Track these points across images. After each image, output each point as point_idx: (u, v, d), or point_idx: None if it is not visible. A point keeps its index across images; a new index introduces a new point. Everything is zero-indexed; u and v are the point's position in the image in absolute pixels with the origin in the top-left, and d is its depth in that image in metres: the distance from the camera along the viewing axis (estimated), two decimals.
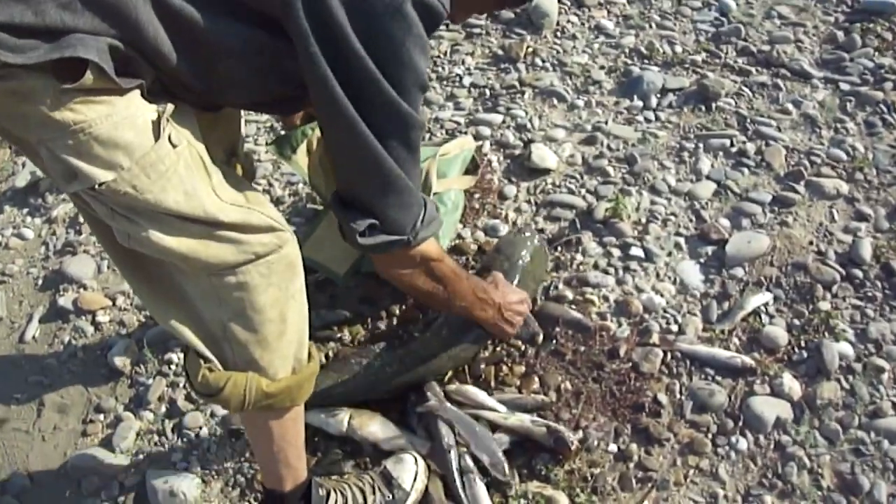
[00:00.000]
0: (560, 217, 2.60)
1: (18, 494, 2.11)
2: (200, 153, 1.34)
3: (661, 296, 2.36)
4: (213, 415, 2.17)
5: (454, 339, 2.08)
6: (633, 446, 2.03)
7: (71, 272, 2.62)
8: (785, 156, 2.76)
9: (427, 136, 2.96)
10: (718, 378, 2.15)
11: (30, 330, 2.49)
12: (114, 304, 2.51)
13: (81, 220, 2.73)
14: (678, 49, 3.27)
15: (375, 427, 2.04)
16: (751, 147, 2.79)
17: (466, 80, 3.22)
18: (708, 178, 2.71)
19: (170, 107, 1.27)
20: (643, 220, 2.57)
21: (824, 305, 2.29)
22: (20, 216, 2.88)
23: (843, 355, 2.17)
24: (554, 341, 2.23)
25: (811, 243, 2.47)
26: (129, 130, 1.20)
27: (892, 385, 2.12)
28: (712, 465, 2.00)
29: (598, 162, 2.79)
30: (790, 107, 2.95)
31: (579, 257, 2.47)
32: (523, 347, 2.22)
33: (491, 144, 2.91)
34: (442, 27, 3.43)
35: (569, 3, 3.55)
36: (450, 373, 2.14)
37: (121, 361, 2.32)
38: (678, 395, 2.12)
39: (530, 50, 3.30)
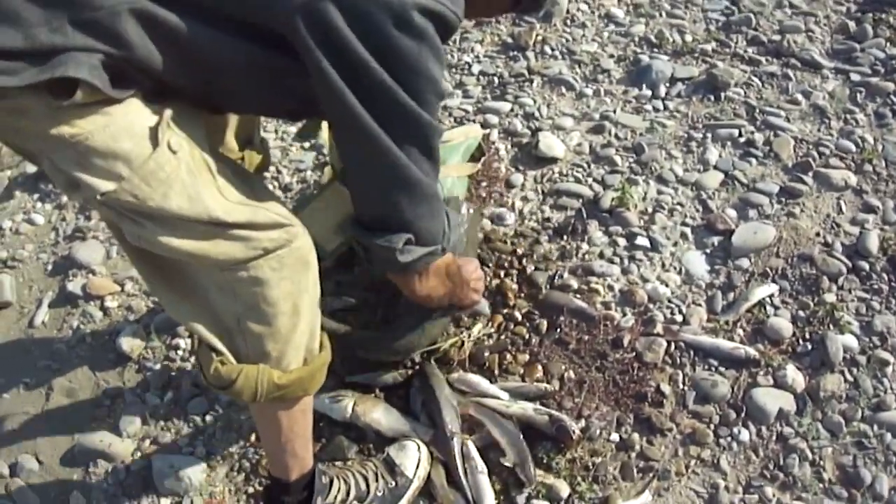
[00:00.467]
0: (566, 206, 2.60)
1: (27, 477, 2.13)
2: (203, 155, 1.33)
3: (666, 286, 2.36)
4: (218, 400, 2.18)
5: (426, 314, 2.05)
6: (636, 436, 2.04)
7: (80, 258, 2.64)
8: (793, 146, 2.75)
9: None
10: (722, 369, 2.16)
11: (39, 315, 2.51)
12: (122, 290, 2.52)
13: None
14: (688, 38, 3.26)
15: (378, 414, 2.05)
16: (759, 137, 2.79)
17: (475, 68, 3.21)
18: (715, 168, 2.71)
19: (168, 112, 1.26)
20: (650, 210, 2.57)
21: (830, 297, 2.29)
22: (31, 202, 2.89)
23: (848, 348, 2.17)
24: (558, 330, 2.24)
25: (818, 235, 2.47)
26: (128, 140, 1.20)
27: None
28: (714, 455, 2.01)
29: (606, 151, 2.79)
30: (799, 97, 2.94)
31: (585, 247, 2.47)
32: (527, 336, 2.23)
33: (499, 133, 2.91)
34: None
35: None
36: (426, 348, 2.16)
37: (129, 346, 2.34)
38: (681, 386, 2.13)
39: (539, 38, 3.30)
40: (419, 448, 1.96)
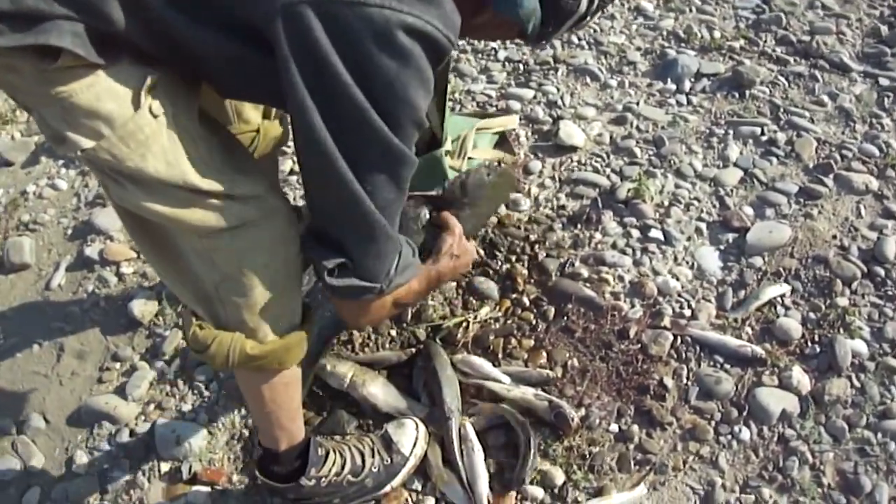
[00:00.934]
0: (583, 195, 2.60)
1: (34, 434, 2.17)
2: (188, 123, 1.32)
3: (677, 279, 2.35)
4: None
5: None
6: (635, 428, 2.03)
7: (99, 223, 2.67)
8: (815, 147, 2.73)
9: (457, 106, 2.97)
10: (727, 366, 2.15)
11: (56, 278, 2.55)
12: (138, 256, 2.55)
13: None
14: (716, 34, 3.24)
15: (376, 388, 2.07)
16: (781, 137, 2.77)
17: (501, 55, 3.22)
18: (735, 165, 2.69)
19: (153, 77, 1.25)
20: (666, 203, 2.56)
21: (842, 301, 2.27)
22: (55, 167, 2.93)
23: (857, 353, 2.15)
24: (565, 318, 2.24)
25: (834, 237, 2.45)
26: (110, 101, 1.21)
27: None
28: (713, 452, 2.00)
29: (626, 142, 2.79)
30: (825, 98, 2.92)
31: (598, 236, 2.47)
32: (534, 321, 2.23)
33: (520, 119, 2.90)
34: None
35: None
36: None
37: (140, 312, 2.37)
38: (684, 381, 2.12)
39: None
40: (417, 426, 1.98)
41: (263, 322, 1.51)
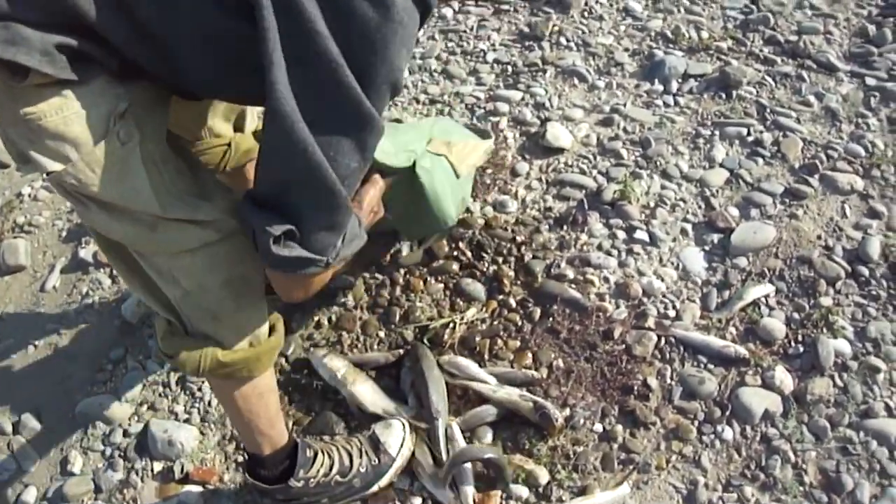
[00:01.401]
0: (569, 196, 2.62)
1: (28, 435, 2.21)
2: (153, 149, 1.31)
3: (662, 280, 2.37)
4: None
5: None
6: (619, 428, 2.06)
7: None
8: (801, 148, 2.75)
9: (447, 110, 2.99)
10: (710, 366, 2.17)
11: (51, 279, 2.58)
12: None
13: None
14: (704, 35, 3.26)
15: (364, 387, 2.10)
16: (767, 137, 2.79)
17: (490, 56, 3.24)
18: (721, 165, 2.71)
19: (123, 104, 1.23)
20: (651, 205, 2.58)
21: (826, 301, 2.28)
22: None
23: (840, 352, 2.17)
24: (551, 319, 2.27)
25: (819, 238, 2.47)
26: (79, 125, 1.19)
27: (887, 386, 2.11)
28: (696, 452, 2.02)
29: (613, 144, 2.81)
30: (812, 99, 2.94)
31: (584, 238, 2.49)
32: (520, 323, 2.26)
33: (508, 121, 2.93)
34: (470, 3, 3.47)
35: None
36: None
37: (133, 314, 2.40)
38: (668, 381, 2.14)
39: (556, 28, 3.32)
40: (404, 427, 2.00)
41: (230, 334, 1.54)
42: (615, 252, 2.46)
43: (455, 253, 2.44)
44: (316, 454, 1.87)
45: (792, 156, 2.72)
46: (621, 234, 2.50)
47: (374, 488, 1.94)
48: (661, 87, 3.03)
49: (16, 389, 2.31)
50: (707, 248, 2.46)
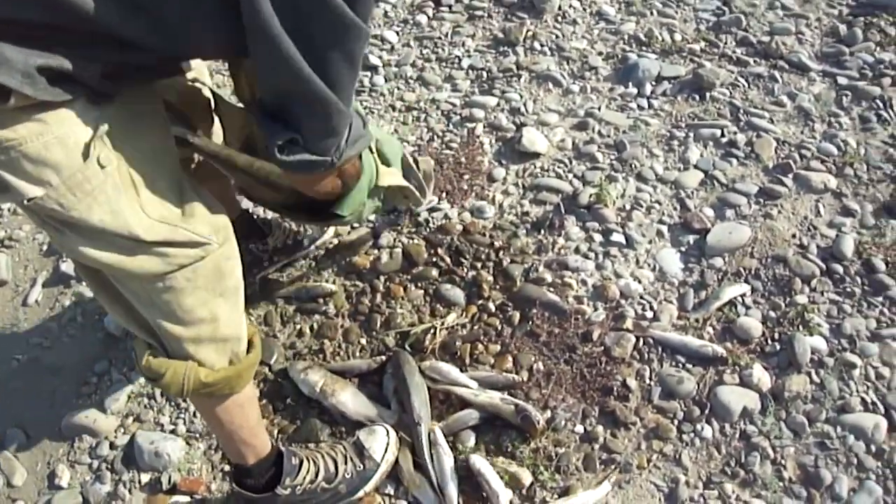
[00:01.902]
0: (546, 201, 2.65)
1: (15, 450, 2.21)
2: (133, 171, 1.31)
3: (639, 282, 2.40)
4: None
5: None
6: (600, 428, 2.09)
7: None
8: (775, 148, 2.79)
9: (422, 116, 3.01)
10: (689, 366, 2.20)
11: (33, 294, 2.58)
12: None
13: None
14: (677, 37, 3.30)
15: (346, 396, 2.12)
16: (741, 138, 2.82)
17: (465, 62, 3.26)
18: (696, 167, 2.75)
19: (104, 128, 1.23)
20: (627, 207, 2.61)
21: (801, 299, 2.32)
22: None
23: (816, 349, 2.20)
24: (530, 323, 2.29)
25: (794, 236, 2.50)
26: (60, 150, 1.18)
27: (863, 381, 2.15)
28: (676, 450, 2.05)
29: (588, 147, 2.83)
30: (785, 99, 2.97)
31: (561, 241, 2.52)
32: (500, 327, 2.29)
33: (484, 127, 2.95)
34: (444, 9, 3.48)
35: None
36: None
37: (116, 327, 2.41)
38: (647, 381, 2.18)
39: (530, 34, 3.34)
40: (388, 433, 2.03)
41: (210, 353, 1.55)
42: (592, 255, 2.48)
43: (434, 259, 2.46)
44: (301, 462, 1.89)
45: (766, 156, 2.76)
46: (598, 237, 2.52)
47: (360, 493, 1.97)
48: (635, 90, 3.06)
49: (1, 404, 2.31)
50: (683, 249, 2.50)
